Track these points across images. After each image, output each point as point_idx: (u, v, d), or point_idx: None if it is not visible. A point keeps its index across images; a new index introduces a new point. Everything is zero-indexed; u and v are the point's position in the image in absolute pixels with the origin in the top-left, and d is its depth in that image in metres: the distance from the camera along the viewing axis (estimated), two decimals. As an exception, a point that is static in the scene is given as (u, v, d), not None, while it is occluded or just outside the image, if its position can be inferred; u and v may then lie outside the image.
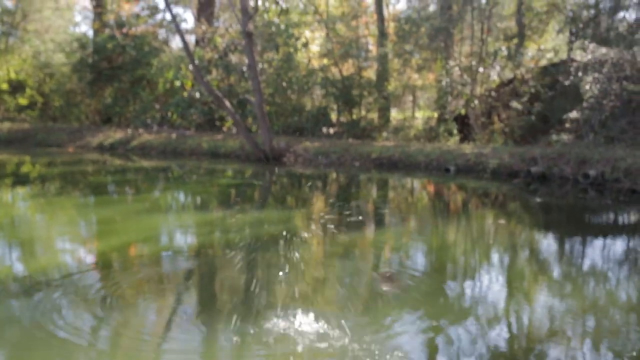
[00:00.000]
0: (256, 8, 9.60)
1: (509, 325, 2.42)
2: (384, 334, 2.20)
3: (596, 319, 2.52)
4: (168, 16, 14.00)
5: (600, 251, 4.04)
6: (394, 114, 11.94)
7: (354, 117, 10.53)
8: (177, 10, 18.90)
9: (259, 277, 3.07)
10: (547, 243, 4.38)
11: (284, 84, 10.01)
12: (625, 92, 7.81)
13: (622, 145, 7.21)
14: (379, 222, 5.06)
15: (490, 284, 3.06)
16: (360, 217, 4.82)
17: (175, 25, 9.99)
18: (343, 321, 2.19)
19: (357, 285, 3.03)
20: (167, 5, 9.86)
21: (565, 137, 7.96)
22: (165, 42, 14.70)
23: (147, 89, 12.51)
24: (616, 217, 5.54)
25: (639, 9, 10.26)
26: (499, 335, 2.29)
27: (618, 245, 4.27)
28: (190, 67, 10.13)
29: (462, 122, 9.60)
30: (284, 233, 3.84)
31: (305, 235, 3.97)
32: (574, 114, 7.99)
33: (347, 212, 4.81)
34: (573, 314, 2.53)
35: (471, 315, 2.49)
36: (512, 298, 2.82)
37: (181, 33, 9.52)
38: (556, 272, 3.39)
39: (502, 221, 5.03)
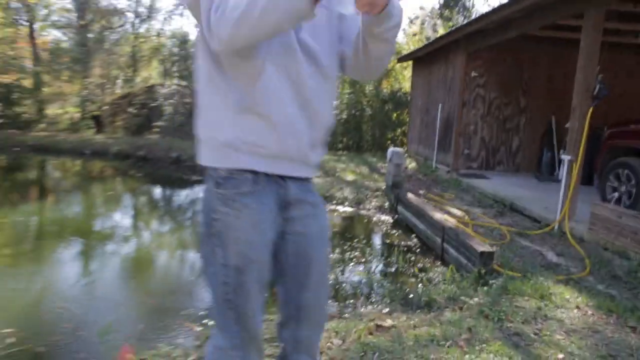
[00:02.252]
0: None
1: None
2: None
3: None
4: None
5: (174, 196, 9.21)
6: (53, 110, 16.32)
7: (17, 113, 14.59)
8: None
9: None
10: (147, 194, 8.80)
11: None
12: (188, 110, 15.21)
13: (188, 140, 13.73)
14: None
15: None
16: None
17: None
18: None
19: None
20: None
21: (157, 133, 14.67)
22: None
23: None
24: (183, 179, 9.67)
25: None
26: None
27: (183, 193, 9.30)
28: None
29: (97, 120, 15.20)
30: None
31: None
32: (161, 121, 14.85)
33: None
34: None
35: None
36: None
37: None
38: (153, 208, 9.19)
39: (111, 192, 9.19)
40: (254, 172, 1.14)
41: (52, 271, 4.36)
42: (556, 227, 4.87)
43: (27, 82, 15.14)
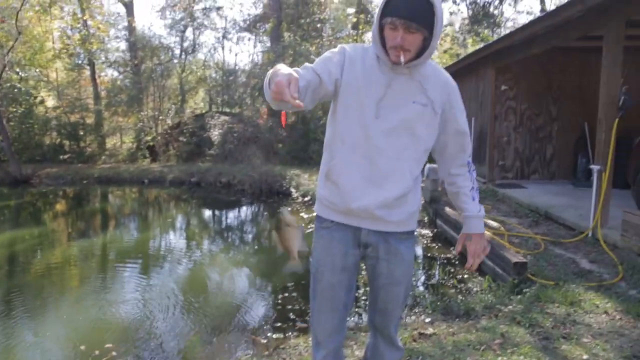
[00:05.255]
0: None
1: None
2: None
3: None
4: None
5: (228, 215, 10.09)
6: (111, 141, 17.77)
7: (82, 148, 16.06)
8: None
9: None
10: (204, 215, 9.73)
11: (27, 127, 14.83)
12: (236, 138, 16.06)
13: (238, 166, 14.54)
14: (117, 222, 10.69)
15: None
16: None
17: None
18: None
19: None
20: None
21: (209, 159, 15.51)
22: None
23: None
24: (234, 201, 10.57)
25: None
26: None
27: (233, 212, 10.13)
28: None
29: (152, 150, 16.38)
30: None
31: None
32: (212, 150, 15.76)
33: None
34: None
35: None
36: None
37: None
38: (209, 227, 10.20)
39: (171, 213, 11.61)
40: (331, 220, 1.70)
41: (121, 292, 4.78)
42: (590, 234, 5.11)
43: (90, 120, 16.68)
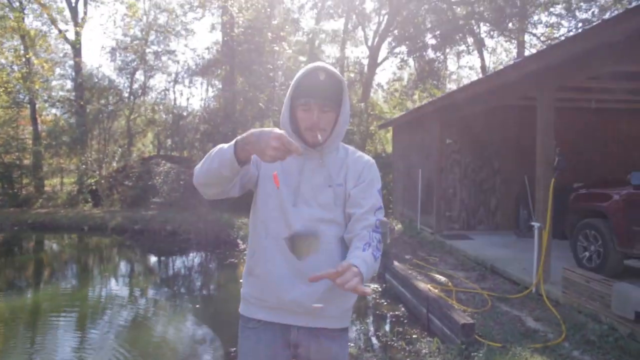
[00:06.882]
0: None
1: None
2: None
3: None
4: None
5: (170, 265, 10.08)
6: (50, 182, 16.75)
7: (16, 191, 14.98)
8: None
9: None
10: (145, 264, 9.58)
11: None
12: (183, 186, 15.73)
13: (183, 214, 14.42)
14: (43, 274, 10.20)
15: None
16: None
17: None
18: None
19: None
20: None
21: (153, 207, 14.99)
22: None
23: None
24: (177, 250, 10.32)
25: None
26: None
27: (176, 262, 10.02)
28: None
29: (94, 194, 15.59)
30: None
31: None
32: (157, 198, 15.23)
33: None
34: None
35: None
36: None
37: None
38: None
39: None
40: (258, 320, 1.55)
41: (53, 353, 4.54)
42: (533, 290, 5.19)
43: (27, 160, 15.67)
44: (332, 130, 1.50)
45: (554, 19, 17.24)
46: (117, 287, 7.60)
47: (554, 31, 16.72)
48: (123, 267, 9.29)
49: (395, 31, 18.17)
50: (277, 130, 1.24)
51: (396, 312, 5.46)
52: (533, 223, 5.38)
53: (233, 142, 1.30)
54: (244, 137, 1.28)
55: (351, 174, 1.54)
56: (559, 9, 16.23)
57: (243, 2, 14.57)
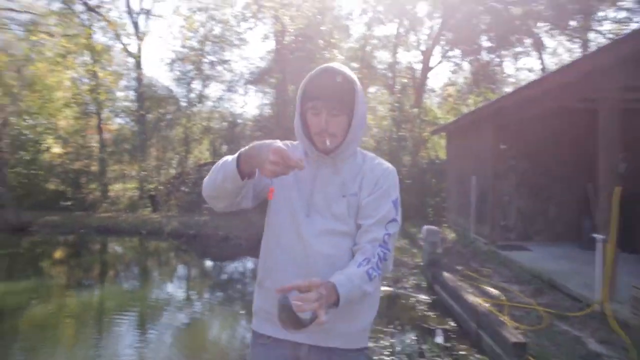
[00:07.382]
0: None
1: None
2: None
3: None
4: None
5: (221, 270, 11.04)
6: (113, 188, 17.79)
7: (83, 195, 16.05)
8: None
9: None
10: (201, 268, 9.99)
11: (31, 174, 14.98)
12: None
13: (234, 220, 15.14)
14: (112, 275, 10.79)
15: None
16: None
17: None
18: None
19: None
20: None
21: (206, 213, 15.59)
22: None
23: None
24: (226, 255, 10.90)
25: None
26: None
27: (226, 267, 11.33)
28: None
29: (153, 199, 16.33)
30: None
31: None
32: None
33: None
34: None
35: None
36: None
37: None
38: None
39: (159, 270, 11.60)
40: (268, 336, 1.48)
41: (116, 347, 4.80)
42: (597, 308, 4.76)
43: (94, 167, 16.75)
44: (346, 136, 1.41)
45: (622, 14, 16.01)
46: (174, 289, 7.92)
47: (623, 27, 15.48)
48: (180, 270, 9.68)
49: (449, 34, 17.68)
50: (277, 143, 1.19)
51: (445, 327, 5.22)
52: (596, 236, 4.94)
53: (237, 154, 1.25)
54: (246, 150, 1.23)
55: (367, 181, 1.44)
56: (628, 2, 15.04)
57: (295, 11, 14.77)
